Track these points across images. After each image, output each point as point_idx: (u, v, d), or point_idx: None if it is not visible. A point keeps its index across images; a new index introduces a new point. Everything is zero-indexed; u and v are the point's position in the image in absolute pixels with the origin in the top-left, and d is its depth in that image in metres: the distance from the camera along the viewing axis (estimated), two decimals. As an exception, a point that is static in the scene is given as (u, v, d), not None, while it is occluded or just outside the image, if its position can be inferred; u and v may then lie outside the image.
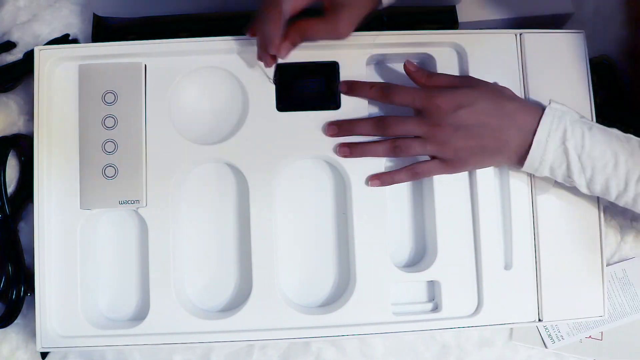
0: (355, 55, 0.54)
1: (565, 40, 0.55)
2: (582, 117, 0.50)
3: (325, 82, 0.54)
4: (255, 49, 0.51)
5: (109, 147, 0.52)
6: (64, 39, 0.60)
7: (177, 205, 0.54)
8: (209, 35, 0.53)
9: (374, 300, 0.52)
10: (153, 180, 0.52)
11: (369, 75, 0.55)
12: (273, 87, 0.53)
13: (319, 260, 0.55)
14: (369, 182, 0.52)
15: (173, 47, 0.53)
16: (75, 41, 0.61)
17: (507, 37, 0.55)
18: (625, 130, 0.50)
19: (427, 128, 0.49)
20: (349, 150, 0.52)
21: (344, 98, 0.54)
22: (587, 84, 0.54)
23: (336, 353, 0.58)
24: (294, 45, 0.48)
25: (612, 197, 0.48)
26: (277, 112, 0.53)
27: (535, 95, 0.54)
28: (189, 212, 0.55)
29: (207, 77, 0.54)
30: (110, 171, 0.52)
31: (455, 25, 0.59)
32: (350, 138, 0.52)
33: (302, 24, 0.47)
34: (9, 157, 0.56)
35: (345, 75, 0.54)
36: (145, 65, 0.53)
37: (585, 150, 0.47)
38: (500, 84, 0.52)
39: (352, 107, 0.53)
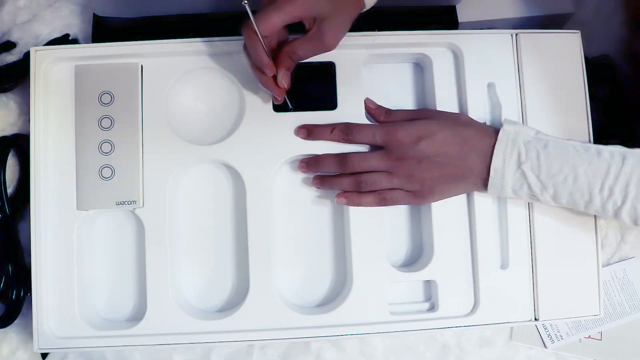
0: (352, 55, 0.54)
1: (561, 40, 0.55)
2: (538, 132, 0.50)
3: (322, 83, 0.54)
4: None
5: (106, 147, 0.52)
6: (64, 39, 0.60)
7: (174, 205, 0.54)
8: (210, 35, 0.53)
9: (370, 300, 0.52)
10: (150, 181, 0.52)
11: (366, 75, 0.55)
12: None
13: (315, 260, 0.55)
14: (336, 199, 0.53)
15: (169, 47, 0.53)
16: (75, 41, 0.61)
17: (503, 37, 0.55)
18: (624, 129, 0.49)
19: (390, 162, 0.50)
20: (320, 183, 0.54)
21: (341, 99, 0.54)
22: (583, 83, 0.55)
23: (336, 353, 0.58)
24: (289, 69, 0.48)
25: (581, 208, 0.49)
26: (274, 112, 0.53)
27: (531, 94, 0.54)
28: (186, 212, 0.55)
29: (204, 77, 0.54)
30: (106, 172, 0.52)
31: (456, 26, 0.59)
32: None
33: (289, 47, 0.47)
34: (9, 157, 0.56)
35: (342, 75, 0.54)
36: (142, 66, 0.53)
37: (542, 169, 0.48)
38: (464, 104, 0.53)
39: (349, 108, 0.54)
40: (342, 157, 0.52)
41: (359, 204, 0.52)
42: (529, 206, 0.53)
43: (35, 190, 0.51)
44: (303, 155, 0.54)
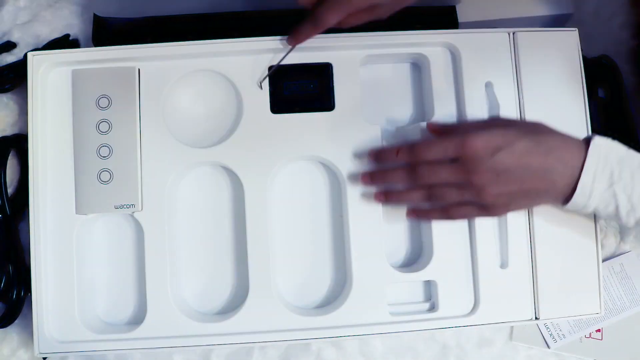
0: (349, 56, 0.54)
1: (558, 38, 0.55)
2: (628, 149, 0.46)
3: (319, 84, 0.54)
4: (248, 50, 0.51)
5: (104, 151, 0.52)
6: (64, 40, 0.60)
7: (173, 208, 0.54)
8: (210, 35, 0.53)
9: (370, 301, 0.52)
10: (148, 184, 0.52)
11: (363, 75, 0.55)
12: (267, 89, 0.53)
13: (315, 261, 0.55)
14: (406, 215, 0.52)
15: (166, 50, 0.53)
16: (75, 41, 0.61)
17: (501, 36, 0.55)
18: (624, 130, 0.49)
19: (464, 176, 0.46)
20: (385, 198, 0.51)
21: (338, 100, 0.54)
22: (580, 82, 0.54)
23: (336, 353, 0.58)
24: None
25: None
26: (272, 114, 0.53)
27: (529, 93, 0.54)
28: (185, 215, 0.55)
29: (201, 80, 0.54)
30: (105, 176, 0.52)
31: (456, 26, 0.59)
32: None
33: None
34: (9, 157, 0.56)
35: (339, 76, 0.54)
36: (139, 70, 0.53)
37: (635, 190, 0.44)
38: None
39: (347, 109, 0.53)
40: (411, 168, 0.48)
41: (427, 220, 0.51)
42: (529, 205, 0.53)
43: (34, 195, 0.51)
44: (301, 156, 0.54)
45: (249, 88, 0.53)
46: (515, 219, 0.53)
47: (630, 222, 0.46)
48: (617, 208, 0.45)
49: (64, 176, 0.52)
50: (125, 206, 0.52)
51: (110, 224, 0.55)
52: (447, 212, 0.49)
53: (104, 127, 0.52)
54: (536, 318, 0.53)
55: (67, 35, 0.61)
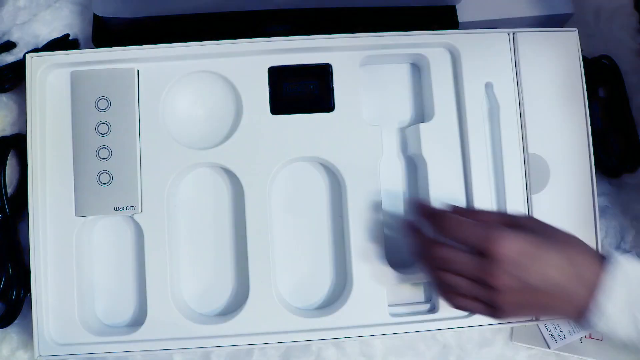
0: (349, 57, 0.54)
1: (558, 38, 0.55)
2: None
3: (319, 85, 0.54)
4: (247, 51, 0.51)
5: (103, 153, 0.52)
6: (64, 39, 0.60)
7: (173, 210, 0.54)
8: (211, 35, 0.53)
9: (371, 302, 0.52)
10: (148, 186, 0.52)
11: (363, 76, 0.55)
12: (267, 90, 0.53)
13: (315, 262, 0.55)
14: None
15: (165, 52, 0.52)
16: (75, 41, 0.61)
17: (500, 37, 0.55)
18: (624, 130, 0.49)
19: (480, 272, 0.42)
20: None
21: (338, 101, 0.53)
22: (581, 82, 0.54)
23: (336, 353, 0.58)
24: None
25: None
26: (271, 115, 0.53)
27: (529, 93, 0.54)
28: (185, 217, 0.54)
29: (200, 81, 0.54)
30: (104, 178, 0.52)
31: (456, 26, 0.59)
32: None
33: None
34: (9, 157, 0.56)
35: (339, 76, 0.54)
36: (138, 71, 0.53)
37: None
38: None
39: (347, 109, 0.53)
40: (434, 249, 0.45)
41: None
42: (528, 203, 0.53)
43: (34, 197, 0.51)
44: (302, 157, 0.53)
45: (248, 89, 0.53)
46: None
47: None
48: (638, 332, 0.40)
49: (64, 178, 0.52)
50: (125, 208, 0.51)
51: (110, 226, 0.54)
52: (452, 300, 0.46)
53: (103, 128, 0.52)
54: (536, 318, 0.53)
55: (67, 35, 0.60)
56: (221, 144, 0.53)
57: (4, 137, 0.57)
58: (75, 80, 0.52)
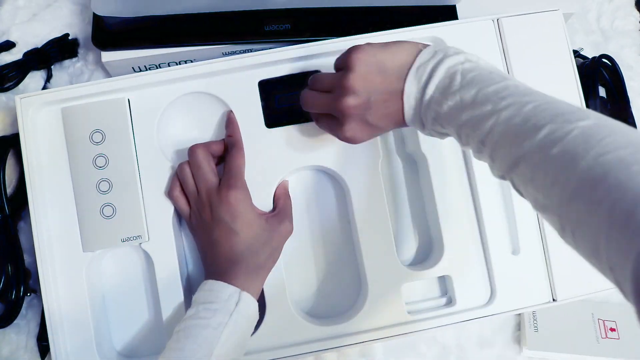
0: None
1: (543, 20, 0.55)
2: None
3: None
4: (236, 68, 0.51)
5: (104, 186, 0.51)
6: (64, 39, 0.61)
7: (179, 234, 0.53)
8: (212, 35, 0.53)
9: (387, 303, 0.52)
10: (152, 214, 0.52)
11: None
12: (259, 105, 0.53)
13: (328, 270, 0.55)
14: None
15: (154, 77, 0.52)
16: (75, 41, 0.62)
17: (485, 24, 0.55)
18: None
19: (337, 80, 0.45)
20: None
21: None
22: (570, 60, 0.54)
23: (336, 352, 0.57)
24: None
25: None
26: (267, 128, 0.53)
27: (519, 77, 0.53)
28: (192, 239, 0.54)
29: (192, 102, 0.54)
30: (108, 210, 0.51)
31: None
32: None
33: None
34: (8, 157, 0.55)
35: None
36: (129, 100, 0.53)
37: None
38: None
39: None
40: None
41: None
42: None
43: (39, 238, 0.50)
44: (302, 167, 0.53)
45: (241, 105, 0.53)
46: (522, 203, 0.53)
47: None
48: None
49: (67, 215, 0.51)
50: (132, 238, 0.51)
51: (119, 257, 0.54)
52: (307, 107, 0.49)
53: (100, 161, 0.52)
54: (554, 300, 0.53)
55: (67, 35, 0.61)
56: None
57: (3, 137, 0.56)
58: (67, 117, 0.52)
